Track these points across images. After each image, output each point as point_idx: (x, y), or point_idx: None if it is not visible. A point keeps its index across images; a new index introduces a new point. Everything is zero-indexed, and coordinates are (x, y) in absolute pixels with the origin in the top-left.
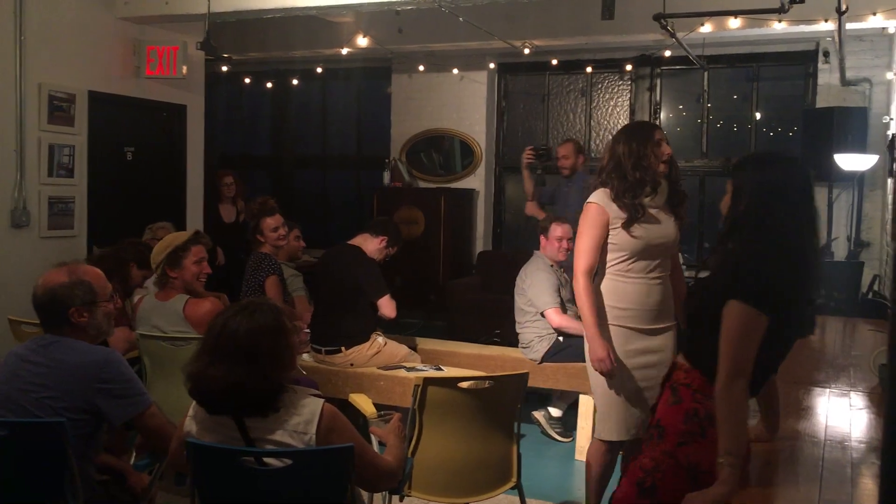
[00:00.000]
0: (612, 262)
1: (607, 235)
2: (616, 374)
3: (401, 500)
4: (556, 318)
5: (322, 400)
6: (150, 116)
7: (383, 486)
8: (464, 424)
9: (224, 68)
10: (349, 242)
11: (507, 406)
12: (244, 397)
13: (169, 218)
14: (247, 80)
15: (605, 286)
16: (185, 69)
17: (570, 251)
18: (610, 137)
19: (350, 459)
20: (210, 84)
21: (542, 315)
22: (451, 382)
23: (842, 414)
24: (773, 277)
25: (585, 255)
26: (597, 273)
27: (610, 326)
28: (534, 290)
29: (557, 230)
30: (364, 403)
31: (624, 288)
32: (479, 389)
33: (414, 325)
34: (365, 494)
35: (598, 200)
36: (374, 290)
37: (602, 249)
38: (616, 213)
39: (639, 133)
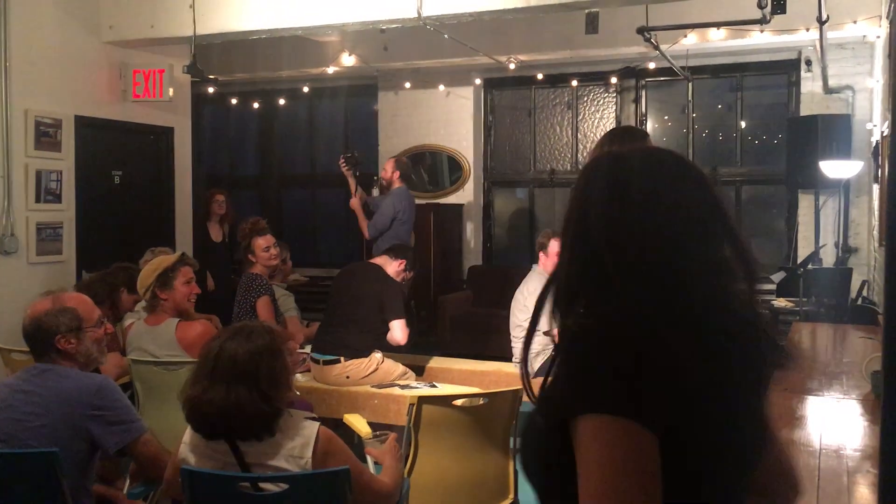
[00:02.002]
0: None
1: None
2: None
3: None
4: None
5: (318, 424)
6: (137, 140)
7: None
8: (459, 442)
9: (210, 90)
10: (371, 261)
11: (502, 422)
12: (243, 420)
13: (158, 240)
14: (233, 101)
15: None
16: (171, 91)
17: None
18: None
19: (346, 482)
20: (196, 105)
21: (546, 333)
22: (446, 400)
23: (836, 422)
24: (660, 354)
25: None
26: None
27: None
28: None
29: (556, 246)
30: (359, 424)
31: None
32: (473, 406)
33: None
34: None
35: None
36: (393, 310)
37: None
38: None
39: (628, 137)
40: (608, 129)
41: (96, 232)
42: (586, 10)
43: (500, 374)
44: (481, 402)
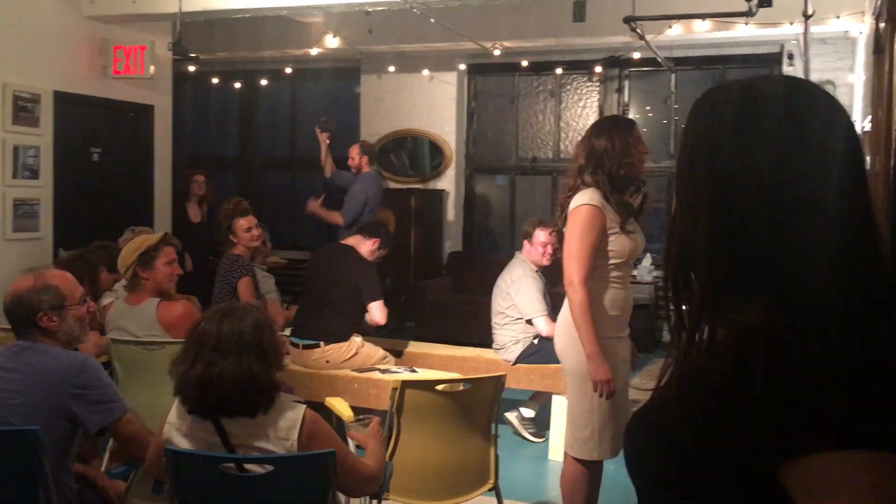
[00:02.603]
0: (602, 267)
1: (600, 240)
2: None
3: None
4: (546, 326)
5: (304, 406)
6: (116, 117)
7: (365, 491)
8: (441, 427)
9: (191, 68)
10: (343, 242)
11: (484, 408)
12: (253, 391)
13: (136, 219)
14: (214, 81)
15: (597, 293)
16: (152, 69)
17: (554, 256)
18: (579, 137)
19: (332, 465)
20: (176, 84)
21: (530, 322)
22: (429, 385)
23: None
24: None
25: (583, 261)
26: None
27: (602, 340)
28: (522, 296)
29: (542, 235)
30: (341, 407)
31: (614, 294)
32: (456, 392)
33: (384, 327)
34: (342, 498)
35: (594, 202)
36: (370, 292)
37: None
38: (612, 215)
39: (620, 128)
40: (594, 120)
41: (74, 210)
42: None
43: (480, 361)
44: (462, 387)
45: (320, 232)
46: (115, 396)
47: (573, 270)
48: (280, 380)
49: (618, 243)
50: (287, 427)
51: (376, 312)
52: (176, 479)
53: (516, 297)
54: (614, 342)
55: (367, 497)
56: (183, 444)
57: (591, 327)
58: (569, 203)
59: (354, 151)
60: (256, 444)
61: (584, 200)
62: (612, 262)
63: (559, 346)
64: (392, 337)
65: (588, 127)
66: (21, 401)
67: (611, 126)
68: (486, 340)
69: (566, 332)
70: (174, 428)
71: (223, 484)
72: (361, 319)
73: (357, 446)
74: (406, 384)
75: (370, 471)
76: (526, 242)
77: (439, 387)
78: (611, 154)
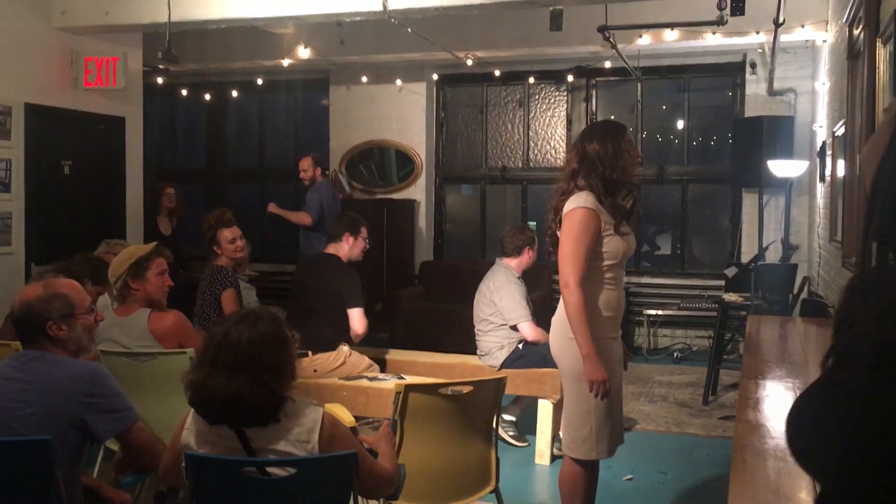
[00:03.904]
0: (601, 270)
1: (595, 242)
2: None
3: None
4: (531, 331)
5: (322, 408)
6: (87, 129)
7: (383, 492)
8: (444, 430)
9: (160, 80)
10: (325, 251)
11: (485, 410)
12: (245, 407)
13: (108, 232)
14: (183, 92)
15: (592, 294)
16: (123, 81)
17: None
18: (548, 146)
19: (353, 466)
20: (146, 96)
21: (514, 328)
22: (433, 388)
23: None
24: None
25: (578, 264)
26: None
27: (597, 340)
28: (506, 302)
29: (536, 242)
30: (342, 413)
31: (608, 295)
32: (459, 395)
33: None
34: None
35: (589, 205)
36: (351, 298)
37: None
38: (606, 218)
39: (611, 133)
40: (561, 129)
41: (46, 223)
42: (551, 7)
43: (467, 367)
44: (465, 390)
45: (289, 244)
46: (126, 405)
47: (569, 272)
48: None
49: (611, 245)
50: (307, 429)
51: (355, 320)
52: (196, 485)
53: (500, 303)
54: (609, 342)
55: (384, 500)
56: (203, 449)
57: (587, 328)
58: (562, 206)
59: (307, 164)
60: (277, 447)
61: (578, 203)
62: (605, 263)
63: (554, 347)
64: (371, 345)
65: (580, 132)
66: (32, 410)
67: (603, 130)
68: (460, 348)
69: (561, 333)
70: (192, 434)
71: (244, 488)
72: (348, 328)
73: (368, 449)
74: (409, 388)
75: (387, 472)
76: (528, 249)
77: (443, 390)
78: (603, 158)
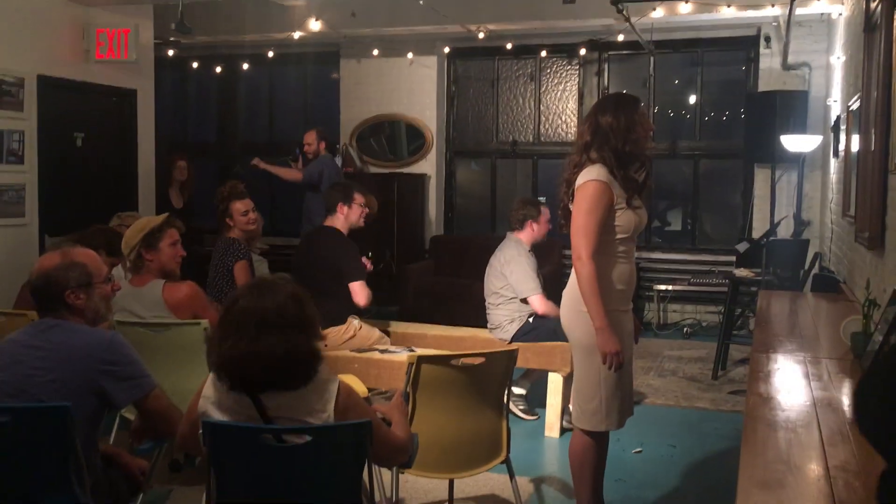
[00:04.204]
0: (613, 243)
1: (607, 215)
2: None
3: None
4: (541, 304)
5: (338, 378)
6: (99, 101)
7: (397, 460)
8: (456, 401)
9: (171, 52)
10: (324, 224)
11: (497, 382)
12: (297, 365)
13: (120, 204)
14: (194, 65)
15: (603, 267)
16: (135, 53)
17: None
18: (559, 121)
19: (368, 434)
20: (157, 69)
21: (525, 301)
22: (445, 360)
23: (822, 379)
24: None
25: (591, 237)
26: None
27: (608, 313)
28: (517, 275)
29: (546, 213)
30: (355, 384)
31: (620, 268)
32: (471, 366)
33: (368, 311)
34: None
35: (601, 177)
36: (350, 272)
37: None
38: (619, 191)
39: (625, 105)
40: (573, 103)
41: (58, 195)
42: None
43: (477, 340)
44: (477, 362)
45: (299, 217)
46: (143, 372)
47: (581, 245)
48: None
49: (623, 219)
50: (323, 399)
51: (356, 293)
52: (214, 452)
53: (510, 276)
54: (620, 315)
55: (397, 468)
56: (219, 417)
57: (600, 301)
58: (575, 179)
59: (311, 137)
60: (293, 415)
61: (591, 176)
62: (618, 237)
63: (565, 320)
64: (376, 320)
65: (594, 104)
66: (50, 377)
67: (616, 103)
68: (469, 322)
69: (572, 306)
70: (210, 402)
71: (261, 455)
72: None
73: (382, 419)
74: (422, 359)
75: (400, 440)
76: (531, 223)
77: (455, 361)
78: (616, 130)
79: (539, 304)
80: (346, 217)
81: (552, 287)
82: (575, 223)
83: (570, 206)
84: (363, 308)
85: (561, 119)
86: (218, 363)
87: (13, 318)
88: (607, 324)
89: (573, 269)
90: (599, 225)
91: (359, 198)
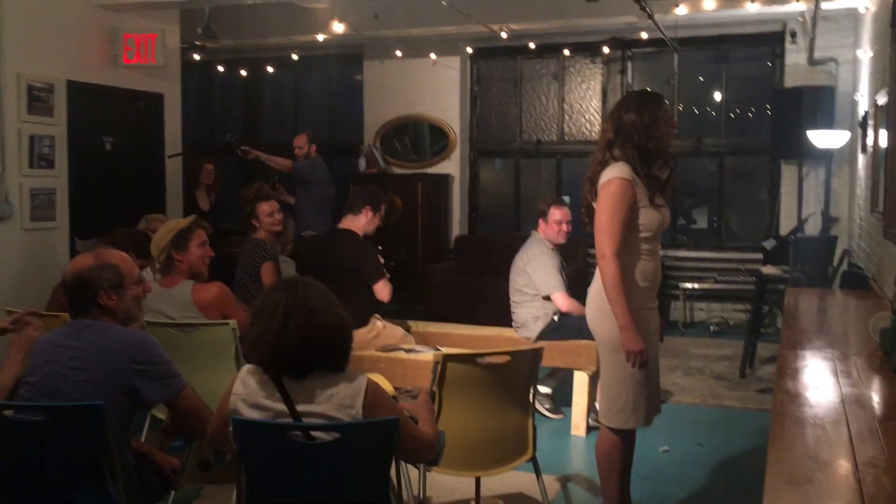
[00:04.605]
0: (634, 240)
1: (631, 213)
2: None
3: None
4: (564, 301)
5: (366, 375)
6: (127, 105)
7: (424, 457)
8: (482, 399)
9: (197, 56)
10: (339, 227)
11: (522, 380)
12: (345, 341)
13: (148, 207)
14: (220, 69)
15: (629, 265)
16: (162, 57)
17: (569, 234)
18: (583, 119)
19: (396, 431)
20: (183, 73)
21: (548, 298)
22: (471, 358)
23: (851, 376)
24: None
25: (615, 235)
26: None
27: (634, 311)
28: (539, 273)
29: (556, 213)
30: (382, 383)
31: (644, 266)
32: (497, 364)
33: (393, 310)
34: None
35: (625, 175)
36: (371, 273)
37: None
38: (642, 189)
39: (648, 102)
40: (597, 101)
41: (87, 198)
42: None
43: (502, 339)
44: (503, 360)
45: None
46: (174, 371)
47: (605, 243)
48: None
49: (647, 217)
50: (352, 395)
51: (380, 292)
52: (243, 449)
53: (533, 274)
54: (646, 313)
55: (424, 465)
56: (249, 414)
57: (624, 299)
58: (598, 177)
59: (302, 140)
60: (322, 411)
61: (614, 174)
62: (642, 235)
63: (591, 318)
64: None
65: (617, 101)
66: (83, 377)
67: (639, 100)
68: (494, 322)
69: (598, 304)
70: (240, 399)
71: (290, 452)
72: (375, 300)
73: (409, 416)
74: (448, 358)
75: (428, 437)
76: (541, 221)
77: (480, 360)
78: (639, 128)
79: (562, 301)
80: (368, 221)
81: (577, 286)
82: (599, 221)
83: (594, 205)
84: (385, 306)
85: (585, 118)
86: (254, 346)
87: (47, 319)
88: (631, 322)
89: (598, 268)
90: (623, 223)
91: (383, 209)
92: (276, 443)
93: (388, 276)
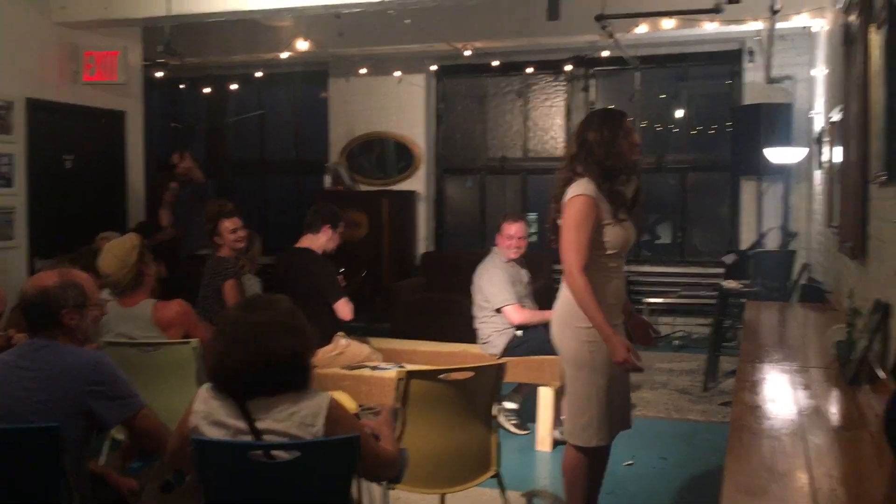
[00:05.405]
0: (600, 258)
1: (596, 230)
2: (634, 368)
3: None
4: (515, 314)
5: (328, 393)
6: (88, 123)
7: (386, 475)
8: (446, 416)
9: (159, 74)
10: (298, 246)
11: (485, 396)
12: (299, 368)
13: (111, 225)
14: (182, 86)
15: (593, 283)
16: (123, 75)
17: (522, 249)
18: (547, 136)
19: (357, 449)
20: (146, 90)
21: (499, 311)
22: (434, 375)
23: (808, 388)
24: None
25: (581, 251)
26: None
27: None
28: (490, 287)
29: (509, 229)
30: (344, 400)
31: (608, 283)
32: (460, 380)
33: (359, 328)
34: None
35: (589, 192)
36: (330, 292)
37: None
38: (605, 206)
39: (609, 120)
40: (560, 119)
41: (48, 217)
42: None
43: (466, 355)
44: (466, 376)
45: (293, 235)
46: (131, 391)
47: (571, 260)
48: None
49: (612, 234)
50: (313, 413)
51: (342, 311)
52: (202, 469)
53: (484, 288)
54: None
55: (387, 483)
56: (210, 432)
57: (600, 311)
58: (563, 195)
59: (185, 159)
60: (283, 429)
61: (578, 191)
62: (607, 252)
63: (556, 335)
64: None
65: (582, 119)
66: (39, 399)
67: (601, 118)
68: (461, 337)
69: (564, 322)
70: (200, 417)
71: (250, 471)
72: (337, 318)
73: (371, 434)
74: (411, 374)
75: (390, 455)
76: (498, 236)
77: (443, 376)
78: (600, 144)
79: (512, 313)
80: (328, 239)
81: (543, 301)
82: (565, 239)
83: (559, 222)
84: (350, 324)
85: (549, 135)
86: (213, 367)
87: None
88: (611, 331)
89: (563, 285)
90: (588, 239)
91: (342, 226)
92: (236, 462)
93: (349, 295)
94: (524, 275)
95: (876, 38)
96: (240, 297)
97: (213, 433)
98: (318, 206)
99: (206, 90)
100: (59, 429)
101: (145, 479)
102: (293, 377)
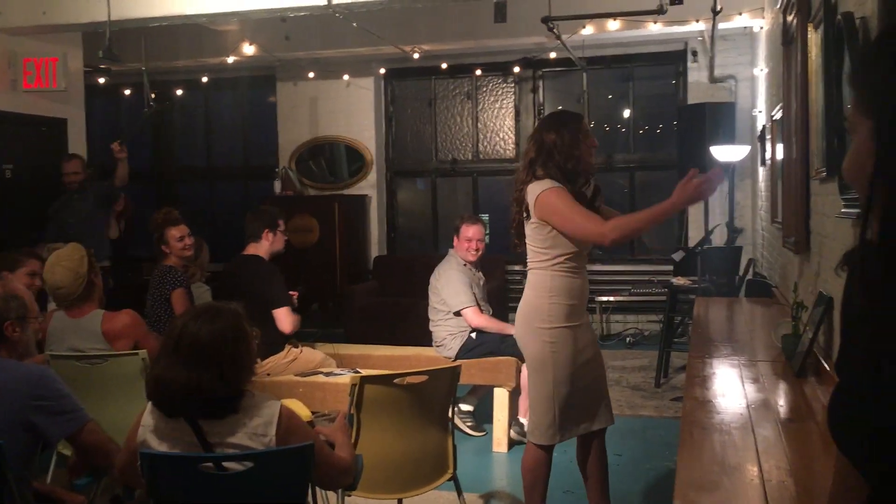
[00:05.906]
0: (559, 257)
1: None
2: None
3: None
4: (474, 318)
5: (280, 402)
6: (29, 132)
7: (341, 482)
8: (401, 420)
9: (102, 80)
10: (245, 253)
11: (441, 399)
12: (204, 399)
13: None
14: (126, 92)
15: (555, 283)
16: (64, 82)
17: (480, 252)
18: (497, 138)
19: (310, 458)
20: (88, 97)
21: (458, 314)
22: (388, 379)
23: (757, 382)
24: None
25: (590, 216)
26: (533, 270)
27: (561, 329)
28: (448, 289)
29: (468, 231)
30: (297, 408)
31: (571, 283)
32: (415, 384)
33: (312, 334)
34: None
35: (557, 183)
36: (274, 300)
37: (545, 245)
38: None
39: (568, 122)
40: (510, 120)
41: None
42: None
43: (421, 358)
44: (420, 380)
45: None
46: (76, 406)
47: (592, 228)
48: None
49: None
50: (264, 423)
51: (281, 321)
52: (153, 483)
53: (442, 290)
54: (574, 330)
55: (342, 491)
56: (159, 445)
57: (643, 212)
58: (523, 196)
59: (78, 166)
60: (234, 441)
61: (546, 186)
62: (568, 251)
63: (519, 336)
64: (321, 342)
65: (538, 122)
66: None
67: (559, 120)
68: (415, 341)
69: (526, 322)
70: (149, 430)
71: (202, 484)
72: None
73: (325, 441)
74: (365, 380)
75: (345, 462)
76: (455, 238)
77: (398, 380)
78: (560, 147)
79: (472, 316)
80: (271, 244)
81: (497, 303)
82: (570, 222)
83: (525, 223)
84: (290, 333)
85: (499, 136)
86: (151, 385)
87: None
88: (668, 204)
89: (526, 285)
90: (584, 211)
91: (282, 225)
92: (187, 475)
93: (295, 305)
94: (480, 277)
95: (814, 38)
96: (189, 306)
97: (163, 447)
98: (253, 213)
99: (151, 96)
100: (1, 445)
101: (94, 494)
102: (224, 406)
